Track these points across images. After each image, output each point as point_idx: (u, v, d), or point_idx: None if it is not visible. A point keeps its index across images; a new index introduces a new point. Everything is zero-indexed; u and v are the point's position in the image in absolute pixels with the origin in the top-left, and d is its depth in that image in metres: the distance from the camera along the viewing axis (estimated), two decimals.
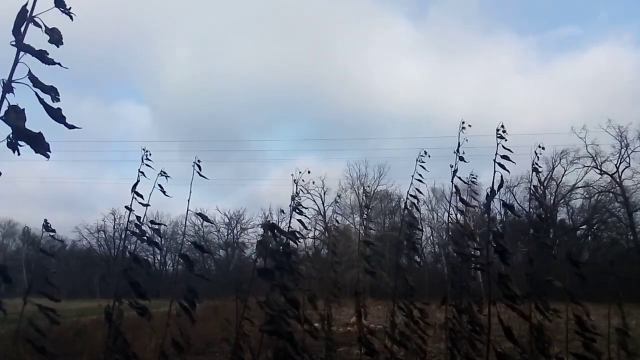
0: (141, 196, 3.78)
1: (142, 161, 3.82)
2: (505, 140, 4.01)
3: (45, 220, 3.74)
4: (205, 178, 4.01)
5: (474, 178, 5.27)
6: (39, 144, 1.87)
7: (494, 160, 3.95)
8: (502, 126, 4.04)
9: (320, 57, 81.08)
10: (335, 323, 10.92)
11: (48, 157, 1.90)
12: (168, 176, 3.85)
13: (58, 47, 1.95)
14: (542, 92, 70.26)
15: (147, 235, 3.88)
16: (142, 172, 3.81)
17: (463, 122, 4.54)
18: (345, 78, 76.87)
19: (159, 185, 3.85)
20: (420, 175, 4.88)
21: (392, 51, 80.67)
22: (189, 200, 3.98)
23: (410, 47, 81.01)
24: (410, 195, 4.94)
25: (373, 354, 4.53)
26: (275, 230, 3.60)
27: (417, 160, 4.84)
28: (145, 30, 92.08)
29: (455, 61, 78.29)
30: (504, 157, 3.97)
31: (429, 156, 4.83)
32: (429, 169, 4.85)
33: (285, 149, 77.92)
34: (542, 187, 39.56)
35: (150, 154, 3.85)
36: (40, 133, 1.87)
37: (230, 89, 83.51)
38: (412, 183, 4.90)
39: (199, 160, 4.04)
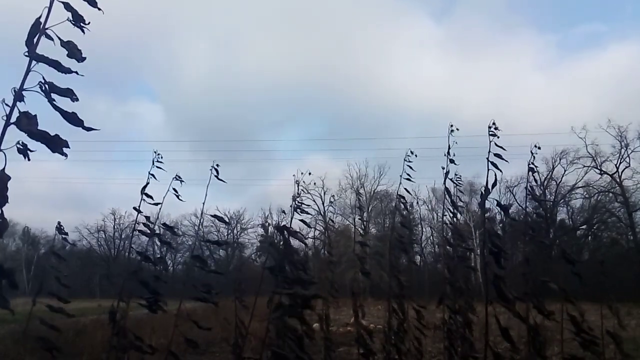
0: (151, 197, 3.78)
1: (153, 163, 3.83)
2: (498, 137, 3.99)
3: (59, 223, 3.77)
4: (224, 182, 3.98)
5: (458, 178, 5.27)
6: (55, 144, 1.92)
7: (487, 159, 3.93)
8: (494, 124, 4.02)
9: (340, 55, 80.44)
10: (335, 323, 10.94)
11: (66, 156, 1.95)
12: (182, 180, 3.85)
13: (80, 62, 2.01)
14: (560, 91, 69.47)
15: (157, 234, 3.90)
16: (152, 175, 3.82)
17: (452, 125, 4.56)
18: (364, 77, 76.39)
19: (174, 189, 3.86)
20: (408, 175, 4.89)
21: (413, 50, 79.80)
22: (204, 203, 4.00)
23: (432, 46, 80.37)
24: (399, 196, 4.97)
25: (370, 354, 4.54)
26: (285, 232, 3.62)
27: (404, 160, 4.87)
28: (160, 26, 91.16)
29: (475, 60, 77.37)
30: (497, 155, 3.94)
31: (416, 156, 4.87)
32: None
33: (299, 148, 77.26)
34: (541, 187, 39.64)
35: (162, 157, 3.86)
36: (56, 135, 1.92)
37: (246, 87, 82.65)
38: (400, 183, 4.93)
39: (217, 165, 4.01)
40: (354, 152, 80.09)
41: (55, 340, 3.27)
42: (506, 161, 3.90)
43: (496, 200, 4.41)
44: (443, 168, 4.72)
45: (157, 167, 3.83)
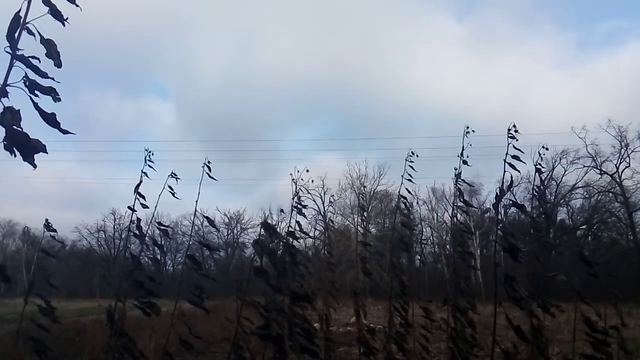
0: (143, 197, 3.77)
1: (145, 162, 3.82)
2: (517, 140, 3.99)
3: (47, 220, 3.72)
4: (215, 179, 3.98)
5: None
6: (27, 151, 1.86)
7: (504, 160, 3.94)
8: (514, 126, 4.03)
9: (361, 54, 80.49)
10: (335, 323, 10.92)
11: (35, 166, 1.88)
12: (178, 178, 3.84)
13: (55, 63, 1.94)
14: (576, 89, 69.44)
15: (149, 236, 3.88)
16: (144, 173, 3.81)
17: (467, 127, 4.55)
18: (383, 75, 76.63)
19: (169, 187, 3.84)
20: (410, 175, 4.89)
21: (435, 48, 79.96)
22: (197, 202, 3.98)
23: (453, 44, 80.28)
24: (401, 196, 4.96)
25: (371, 353, 4.53)
26: (271, 231, 3.60)
27: (406, 160, 4.86)
28: (175, 24, 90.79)
29: (494, 58, 77.41)
30: (515, 157, 3.95)
31: (417, 156, 4.86)
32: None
33: (312, 147, 77.02)
34: (542, 187, 39.59)
35: (152, 154, 3.84)
36: (34, 140, 1.86)
37: (262, 85, 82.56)
38: (402, 183, 4.92)
39: (209, 162, 4.02)
40: (366, 151, 79.45)
41: (46, 341, 3.25)
42: (524, 162, 3.90)
43: (511, 200, 4.40)
44: (455, 169, 4.72)
45: (149, 165, 3.81)
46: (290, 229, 3.89)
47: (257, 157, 73.70)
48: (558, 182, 41.57)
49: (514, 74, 75.61)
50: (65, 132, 2.01)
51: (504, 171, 3.89)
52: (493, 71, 77.22)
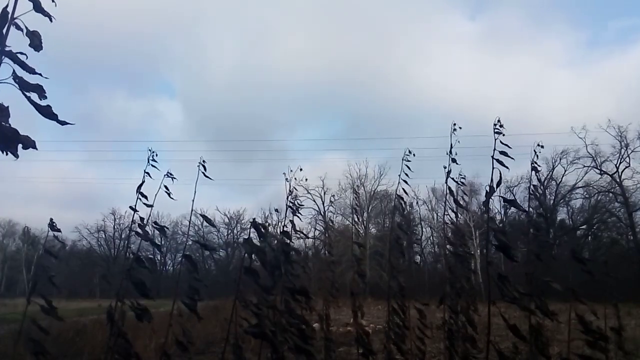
0: (146, 197, 3.77)
1: (148, 162, 3.82)
2: (503, 135, 3.90)
3: (51, 220, 3.69)
4: (210, 179, 3.98)
5: (463, 178, 5.22)
6: (10, 143, 1.84)
7: (492, 157, 3.84)
8: (499, 121, 3.95)
9: (373, 53, 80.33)
10: (335, 323, 10.95)
11: (17, 156, 1.86)
12: (174, 177, 3.84)
13: (37, 51, 1.93)
14: (585, 89, 69.58)
15: (149, 235, 3.87)
16: (147, 173, 3.81)
17: (454, 124, 4.53)
18: (394, 74, 76.47)
19: (165, 187, 3.84)
20: (406, 174, 4.82)
21: (447, 47, 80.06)
22: (193, 201, 3.97)
23: (465, 43, 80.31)
24: (398, 196, 4.93)
25: (370, 354, 4.53)
26: (259, 230, 3.60)
27: (402, 160, 4.81)
28: (184, 22, 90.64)
29: (505, 57, 77.51)
30: (502, 152, 3.85)
31: (414, 155, 4.79)
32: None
33: (319, 147, 76.95)
34: (542, 187, 39.61)
35: (156, 155, 3.85)
36: (24, 136, 1.85)
37: (272, 84, 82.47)
38: (399, 182, 4.86)
39: (204, 161, 4.02)
40: (373, 151, 79.14)
41: (46, 342, 3.25)
42: (512, 159, 3.81)
43: (502, 197, 4.37)
44: (445, 167, 4.69)
45: (152, 165, 3.82)
46: (285, 228, 3.89)
47: (263, 157, 73.36)
48: (558, 182, 41.63)
49: (525, 73, 75.60)
50: (63, 123, 1.98)
51: (492, 168, 3.82)
52: (504, 71, 77.20)
